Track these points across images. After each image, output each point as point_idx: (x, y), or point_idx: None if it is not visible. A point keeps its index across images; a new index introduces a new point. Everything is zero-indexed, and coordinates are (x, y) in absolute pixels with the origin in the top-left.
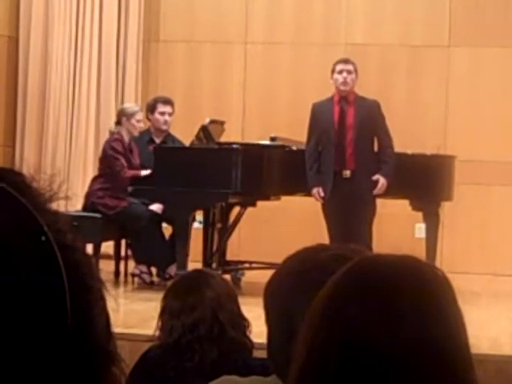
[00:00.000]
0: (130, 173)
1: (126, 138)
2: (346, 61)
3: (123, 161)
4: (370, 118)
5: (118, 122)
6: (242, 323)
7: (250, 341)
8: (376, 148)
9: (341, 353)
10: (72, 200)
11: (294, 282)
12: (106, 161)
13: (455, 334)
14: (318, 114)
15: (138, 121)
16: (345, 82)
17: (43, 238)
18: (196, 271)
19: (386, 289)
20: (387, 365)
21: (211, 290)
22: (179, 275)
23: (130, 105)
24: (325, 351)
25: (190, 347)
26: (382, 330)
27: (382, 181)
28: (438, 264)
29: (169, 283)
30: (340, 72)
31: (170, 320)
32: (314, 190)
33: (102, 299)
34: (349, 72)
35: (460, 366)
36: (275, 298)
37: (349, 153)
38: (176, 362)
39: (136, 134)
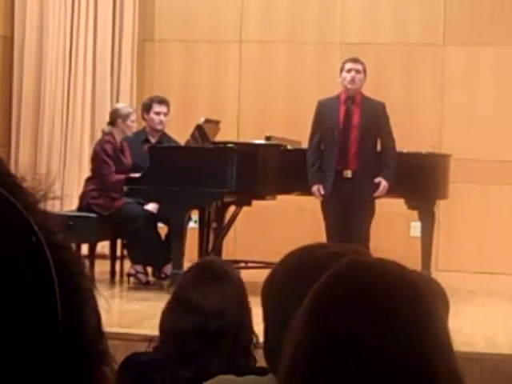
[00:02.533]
0: (117, 177)
1: (118, 139)
2: (355, 60)
3: (112, 165)
4: (375, 119)
5: (112, 123)
6: (251, 344)
7: (254, 359)
8: (378, 149)
9: (327, 353)
10: (66, 200)
11: (292, 279)
12: (97, 162)
13: (438, 333)
14: (323, 112)
15: (133, 121)
16: (353, 81)
17: (33, 238)
18: (222, 268)
19: (371, 291)
20: (373, 363)
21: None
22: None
23: (124, 105)
24: (312, 352)
25: (193, 354)
26: (367, 330)
27: (383, 183)
28: (433, 263)
29: (164, 283)
30: (349, 71)
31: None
32: (315, 188)
33: (93, 299)
34: (357, 71)
35: (442, 363)
36: (273, 296)
37: (352, 153)
38: (165, 373)
39: (130, 134)
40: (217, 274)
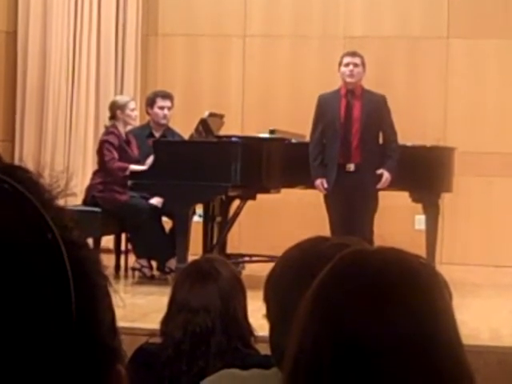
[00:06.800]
0: (118, 164)
1: (123, 130)
2: (353, 54)
3: (115, 153)
4: (376, 112)
5: (113, 116)
6: (248, 337)
7: (257, 351)
8: (380, 141)
9: (331, 345)
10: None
11: (295, 272)
12: (100, 152)
13: (444, 324)
14: (324, 106)
15: (133, 110)
16: (351, 75)
17: (49, 235)
18: (208, 263)
19: (373, 280)
20: (377, 356)
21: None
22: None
23: (121, 96)
24: (316, 344)
25: (193, 354)
26: (370, 320)
27: (386, 175)
28: (437, 256)
29: (169, 277)
30: (347, 65)
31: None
32: (318, 181)
33: (108, 296)
34: (355, 65)
35: (449, 357)
36: (276, 290)
37: (354, 146)
38: (172, 362)
39: (134, 123)
40: (202, 273)
